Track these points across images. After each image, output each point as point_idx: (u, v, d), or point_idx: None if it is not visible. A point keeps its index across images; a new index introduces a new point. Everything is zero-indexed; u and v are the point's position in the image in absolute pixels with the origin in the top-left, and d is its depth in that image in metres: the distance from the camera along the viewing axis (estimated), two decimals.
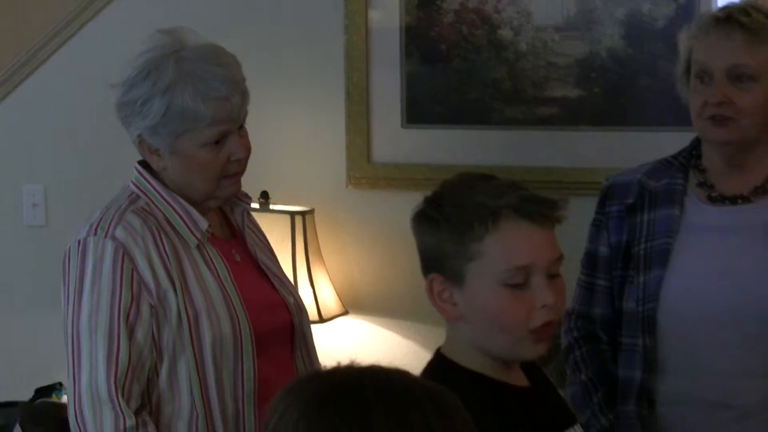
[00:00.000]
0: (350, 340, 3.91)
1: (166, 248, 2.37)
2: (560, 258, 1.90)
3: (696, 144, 2.63)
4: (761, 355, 2.48)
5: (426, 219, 1.92)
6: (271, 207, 3.70)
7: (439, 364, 1.94)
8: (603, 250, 2.65)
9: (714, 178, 2.58)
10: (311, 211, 3.73)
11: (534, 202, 1.87)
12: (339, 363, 1.37)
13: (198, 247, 2.42)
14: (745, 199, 2.55)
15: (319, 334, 3.12)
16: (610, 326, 2.64)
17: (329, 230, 3.84)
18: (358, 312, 3.92)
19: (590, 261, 2.68)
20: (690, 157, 2.63)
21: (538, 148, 3.53)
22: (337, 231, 3.86)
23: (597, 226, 2.67)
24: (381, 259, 3.76)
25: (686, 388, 2.53)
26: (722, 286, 2.51)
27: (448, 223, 1.87)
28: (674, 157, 2.65)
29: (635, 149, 3.02)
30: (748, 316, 2.48)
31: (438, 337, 2.08)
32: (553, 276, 1.88)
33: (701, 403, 2.51)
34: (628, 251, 2.60)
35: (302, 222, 3.67)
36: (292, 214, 3.68)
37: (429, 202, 1.95)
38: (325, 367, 1.41)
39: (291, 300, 2.58)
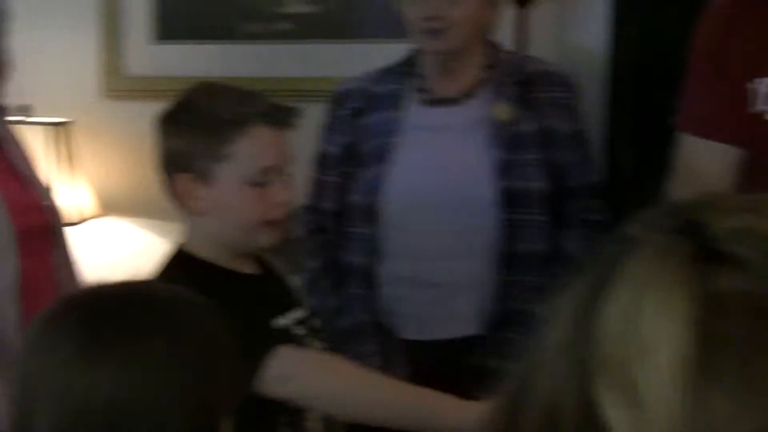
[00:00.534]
0: (109, 240, 4.01)
1: None
2: (293, 159, 2.08)
3: (414, 53, 2.82)
4: (466, 239, 2.69)
5: (175, 122, 2.04)
6: (32, 119, 3.74)
7: (176, 257, 2.08)
8: (332, 149, 2.82)
9: (430, 83, 2.79)
10: (70, 123, 3.80)
11: (277, 109, 2.03)
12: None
13: None
14: (456, 101, 2.76)
15: (78, 234, 3.24)
16: (338, 218, 2.81)
17: (88, 140, 3.90)
18: (116, 214, 4.01)
19: (321, 162, 2.85)
20: (409, 65, 2.82)
21: (277, 60, 3.70)
22: (95, 141, 3.92)
23: (328, 129, 2.85)
24: (137, 165, 3.80)
25: (404, 271, 2.72)
26: (435, 179, 2.70)
27: (199, 127, 1.99)
28: (396, 65, 2.84)
29: (362, 59, 3.15)
30: (457, 206, 2.68)
31: None
32: (287, 175, 2.06)
33: (417, 283, 2.71)
34: (355, 150, 2.78)
35: (62, 133, 3.74)
36: (52, 125, 3.74)
37: (178, 106, 2.06)
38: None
39: (47, 203, 2.66)
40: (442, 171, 2.71)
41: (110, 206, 3.99)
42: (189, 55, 3.79)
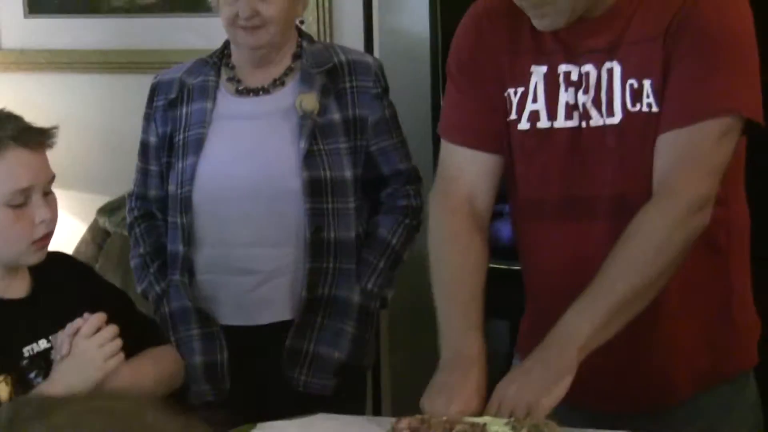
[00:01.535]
0: None
1: None
2: (53, 178, 2.04)
3: (227, 44, 2.78)
4: (277, 227, 2.68)
5: None
6: None
7: None
8: (152, 139, 2.79)
9: (241, 74, 2.75)
10: None
11: (30, 132, 1.99)
12: None
13: None
14: (266, 91, 2.73)
15: None
16: (164, 206, 2.78)
17: None
18: None
19: (143, 149, 2.82)
20: (222, 56, 2.78)
21: (142, 33, 3.65)
22: None
23: (147, 119, 2.81)
24: None
25: (218, 258, 2.71)
26: (246, 168, 2.67)
27: None
28: (209, 56, 2.79)
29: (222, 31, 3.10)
30: (267, 193, 2.66)
31: None
32: (47, 193, 2.02)
33: (231, 270, 2.70)
34: (171, 141, 2.75)
35: None
36: None
37: None
38: None
39: None
40: (251, 160, 2.68)
41: None
42: (59, 28, 3.73)
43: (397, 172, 2.77)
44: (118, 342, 2.01)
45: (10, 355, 1.98)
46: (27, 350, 2.02)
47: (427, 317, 2.17)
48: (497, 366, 2.33)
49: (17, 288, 2.06)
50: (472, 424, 1.87)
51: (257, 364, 2.74)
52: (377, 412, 3.58)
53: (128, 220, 2.89)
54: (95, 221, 3.73)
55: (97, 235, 3.71)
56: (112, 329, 2.00)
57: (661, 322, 2.03)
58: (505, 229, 2.40)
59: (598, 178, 2.05)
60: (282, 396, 2.71)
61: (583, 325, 1.91)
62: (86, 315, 2.02)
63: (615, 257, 1.93)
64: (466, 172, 2.17)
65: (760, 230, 2.24)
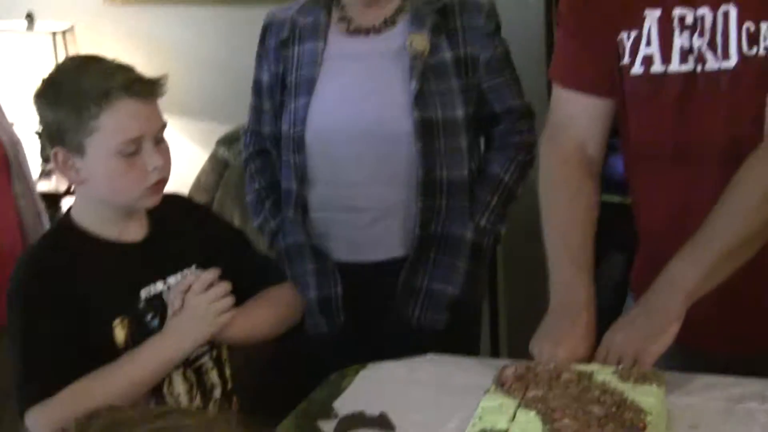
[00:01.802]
0: None
1: None
2: (164, 125, 2.06)
3: None
4: (388, 168, 2.67)
5: (46, 98, 2.03)
6: (35, 28, 3.78)
7: (59, 223, 2.14)
8: (265, 78, 2.79)
9: (352, 13, 2.72)
10: (71, 29, 3.82)
11: (140, 82, 2.00)
12: None
13: None
14: (377, 30, 2.69)
15: None
16: (278, 142, 2.79)
17: (89, 46, 3.91)
18: None
19: (256, 87, 2.83)
20: None
21: None
22: (96, 46, 3.90)
23: (259, 58, 2.81)
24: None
25: (330, 196, 2.72)
26: (357, 109, 2.66)
27: (66, 103, 1.98)
28: None
29: None
30: (375, 136, 2.64)
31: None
32: (159, 141, 2.04)
33: (344, 208, 2.71)
34: (283, 80, 2.74)
35: (63, 40, 3.77)
36: (53, 34, 3.77)
37: (46, 83, 2.05)
38: None
39: (4, 136, 2.70)
40: (362, 101, 2.67)
41: None
42: None
43: (510, 109, 2.73)
44: (230, 299, 2.04)
45: (128, 297, 2.03)
46: (144, 292, 2.06)
47: (542, 253, 2.16)
48: (611, 299, 2.32)
49: (135, 231, 2.10)
50: (579, 373, 1.87)
51: (371, 300, 2.75)
52: (495, 348, 3.60)
53: (243, 156, 2.92)
54: (215, 151, 3.79)
55: (216, 165, 3.77)
56: (225, 286, 2.03)
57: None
58: (619, 164, 2.36)
59: (710, 123, 2.01)
60: (395, 331, 2.73)
61: (689, 273, 1.90)
62: (198, 272, 2.07)
63: (722, 205, 1.91)
64: (577, 117, 2.15)
65: None
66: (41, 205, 2.80)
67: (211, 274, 2.03)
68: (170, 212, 2.17)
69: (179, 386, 2.07)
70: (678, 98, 2.03)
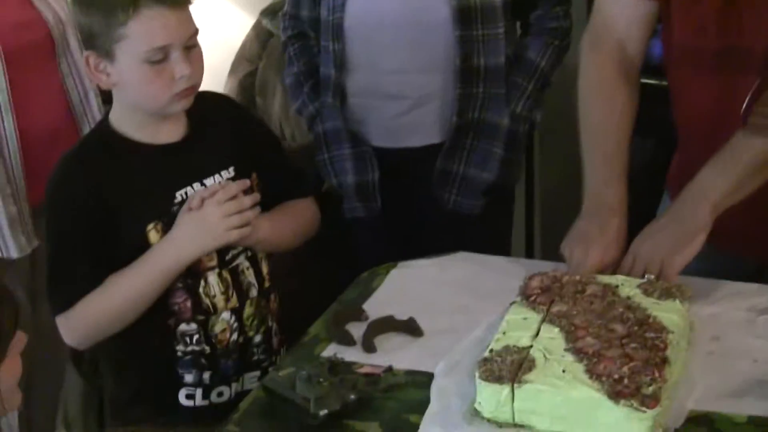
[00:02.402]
0: None
1: None
2: (196, 32, 2.04)
3: None
4: (426, 55, 2.63)
5: (79, 3, 2.05)
6: None
7: (97, 128, 2.16)
8: None
9: None
10: None
11: None
12: None
13: None
14: None
15: None
16: (317, 26, 2.75)
17: None
18: None
19: None
20: None
21: None
22: None
23: None
24: None
25: (368, 83, 2.70)
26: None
27: (97, 8, 1.98)
28: None
29: None
30: (413, 23, 2.61)
31: None
32: (190, 48, 2.02)
33: (381, 95, 2.70)
34: None
35: None
36: None
37: None
38: None
39: (49, 15, 2.66)
40: None
41: None
42: None
43: None
44: (248, 215, 2.03)
45: (162, 200, 2.05)
46: (180, 194, 2.07)
47: (578, 140, 2.15)
48: (641, 183, 2.30)
49: (172, 132, 2.10)
50: (605, 285, 1.87)
51: (408, 185, 2.76)
52: (530, 235, 3.59)
53: (282, 38, 2.89)
54: (259, 20, 3.74)
55: (261, 34, 3.74)
56: (251, 199, 2.03)
57: None
58: (659, 46, 2.31)
59: (754, 29, 1.97)
60: (431, 216, 2.74)
61: (717, 183, 1.89)
62: (228, 183, 2.06)
63: (752, 122, 1.87)
64: (619, 17, 2.12)
65: None
66: (90, 84, 2.78)
67: (240, 185, 2.03)
68: (210, 112, 2.17)
69: (215, 287, 2.10)
70: (723, 2, 1.98)
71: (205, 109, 2.12)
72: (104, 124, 2.10)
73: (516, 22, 2.73)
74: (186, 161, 2.09)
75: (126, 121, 2.07)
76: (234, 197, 2.02)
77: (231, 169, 2.12)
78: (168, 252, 2.01)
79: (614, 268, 1.96)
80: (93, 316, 1.98)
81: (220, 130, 2.16)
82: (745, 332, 1.86)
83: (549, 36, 2.70)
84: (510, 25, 2.68)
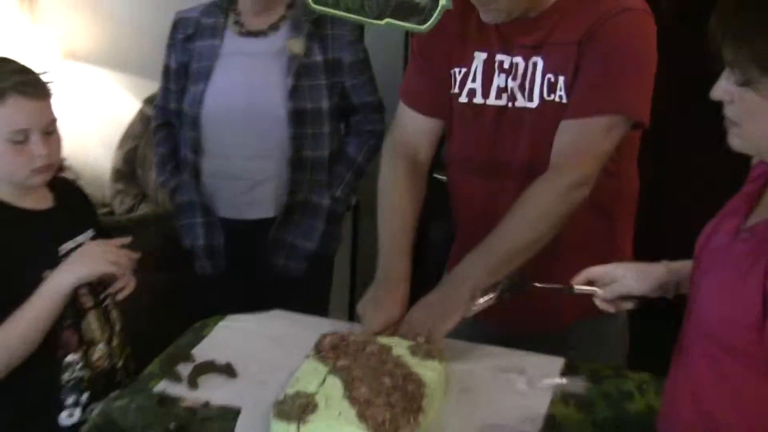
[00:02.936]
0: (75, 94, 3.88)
1: None
2: (54, 120, 1.96)
3: None
4: (265, 146, 2.64)
5: None
6: None
7: None
8: (173, 65, 2.72)
9: (245, 18, 2.67)
10: None
11: (29, 83, 1.91)
12: None
13: None
14: (264, 33, 2.65)
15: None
16: (181, 118, 2.73)
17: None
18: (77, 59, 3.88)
19: (166, 72, 2.76)
20: (230, 2, 2.69)
21: None
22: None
23: (169, 48, 2.73)
24: (102, 17, 3.74)
25: (219, 166, 2.69)
26: (244, 96, 2.61)
27: None
28: (221, 1, 2.70)
29: None
30: (256, 119, 2.61)
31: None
32: (50, 133, 1.95)
33: (228, 176, 2.69)
34: (187, 68, 2.68)
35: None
36: None
37: None
38: None
39: None
40: (248, 90, 2.62)
41: (75, 55, 3.84)
42: None
43: (366, 103, 2.72)
44: (124, 257, 1.98)
45: (50, 253, 1.97)
46: (61, 249, 1.99)
47: None
48: (441, 256, 2.31)
49: (43, 201, 2.02)
50: (381, 346, 1.87)
51: (247, 249, 2.73)
52: (353, 291, 3.57)
53: (152, 126, 2.86)
54: (142, 108, 3.69)
55: (142, 118, 3.69)
56: (123, 250, 1.99)
57: (554, 265, 1.97)
58: None
59: (515, 147, 2.01)
60: (265, 276, 2.72)
61: (475, 271, 1.90)
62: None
63: (507, 219, 1.91)
64: (413, 130, 2.14)
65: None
66: None
67: (116, 242, 1.99)
68: (68, 190, 2.12)
69: (94, 323, 2.03)
70: (492, 124, 2.02)
71: (65, 187, 2.09)
72: None
73: (340, 123, 2.74)
74: (60, 222, 2.02)
75: (3, 192, 1.97)
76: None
77: (91, 230, 2.06)
78: (55, 281, 1.91)
79: (395, 327, 1.95)
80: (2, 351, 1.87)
81: (78, 203, 2.12)
82: (489, 385, 1.88)
83: (366, 136, 2.73)
84: (335, 125, 2.70)
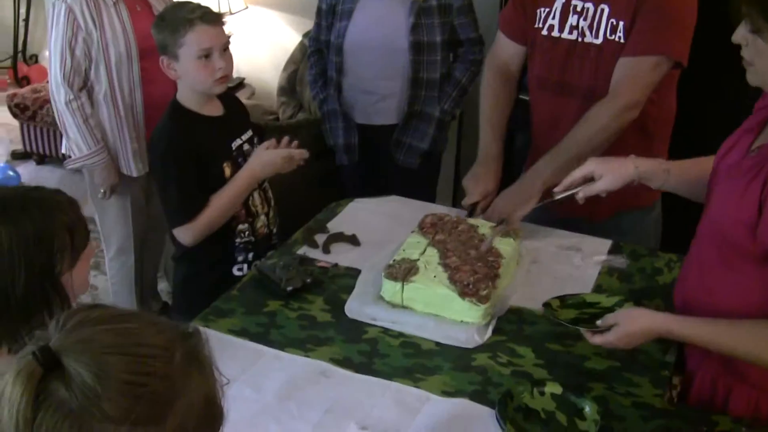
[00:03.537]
0: (253, 30, 3.83)
1: (92, 3, 2.46)
2: (228, 41, 1.96)
3: None
4: (391, 69, 2.60)
5: (157, 24, 1.96)
6: None
7: (171, 105, 2.02)
8: (323, 6, 2.69)
9: None
10: None
11: (210, 13, 1.94)
12: None
13: (114, 4, 2.49)
14: None
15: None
16: (328, 46, 2.68)
17: None
18: (258, 4, 3.81)
19: (318, 12, 2.72)
20: None
21: None
22: None
23: None
24: None
25: (356, 83, 2.66)
26: (377, 31, 2.57)
27: (168, 28, 1.93)
28: None
29: None
30: (386, 49, 2.57)
31: None
32: (225, 50, 1.96)
33: (362, 91, 2.66)
34: (334, 9, 2.64)
35: None
36: None
37: (158, 16, 2.01)
38: None
39: None
40: (380, 27, 2.57)
41: (255, 0, 3.81)
42: None
43: (469, 38, 2.64)
44: (299, 154, 1.99)
45: (225, 148, 2.01)
46: (233, 144, 2.03)
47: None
48: (523, 158, 2.27)
49: (215, 109, 2.04)
50: (471, 225, 1.87)
51: (375, 147, 2.74)
52: (457, 181, 3.51)
53: (307, 53, 2.85)
54: (302, 40, 3.67)
55: (301, 47, 3.66)
56: (298, 150, 1.99)
57: None
58: None
59: (581, 73, 1.95)
60: (387, 167, 2.72)
61: (546, 169, 1.88)
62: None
63: (572, 131, 1.89)
64: (506, 51, 2.10)
65: None
66: None
67: (286, 142, 2.00)
68: (232, 101, 2.13)
69: (257, 199, 2.08)
70: (565, 54, 1.96)
71: (230, 99, 2.09)
72: (176, 103, 2.02)
73: (449, 53, 2.67)
74: (230, 125, 2.06)
75: (189, 101, 1.99)
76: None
77: (249, 131, 2.09)
78: (250, 171, 1.96)
79: (490, 200, 1.94)
80: (207, 222, 1.93)
81: (238, 110, 2.13)
82: (552, 260, 1.86)
83: (468, 63, 2.66)
84: (445, 54, 2.63)
